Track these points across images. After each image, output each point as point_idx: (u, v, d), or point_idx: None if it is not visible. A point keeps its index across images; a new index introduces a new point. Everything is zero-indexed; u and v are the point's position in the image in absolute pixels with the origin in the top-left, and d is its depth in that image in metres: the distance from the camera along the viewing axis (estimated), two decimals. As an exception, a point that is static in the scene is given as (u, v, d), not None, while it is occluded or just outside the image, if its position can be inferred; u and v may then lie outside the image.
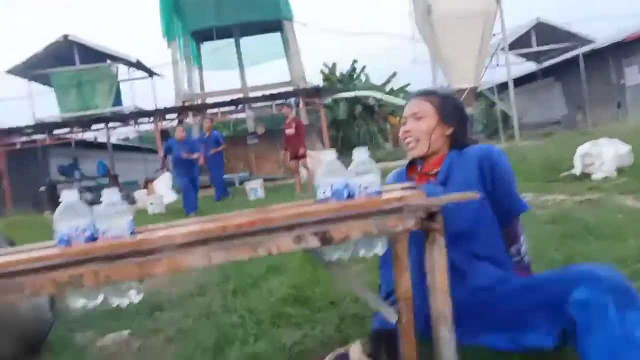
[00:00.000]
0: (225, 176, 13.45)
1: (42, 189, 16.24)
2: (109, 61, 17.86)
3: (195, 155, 8.99)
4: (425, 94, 1.90)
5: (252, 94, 17.93)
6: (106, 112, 16.63)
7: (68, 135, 17.03)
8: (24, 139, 15.81)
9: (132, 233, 1.27)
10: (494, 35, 18.02)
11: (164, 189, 12.85)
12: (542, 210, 4.41)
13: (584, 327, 1.23)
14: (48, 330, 2.50)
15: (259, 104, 16.78)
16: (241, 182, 16.62)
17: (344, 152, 22.23)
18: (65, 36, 16.73)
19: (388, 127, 25.88)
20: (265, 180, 12.86)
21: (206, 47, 21.45)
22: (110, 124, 17.04)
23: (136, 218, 4.33)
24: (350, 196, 1.37)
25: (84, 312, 2.95)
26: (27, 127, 15.78)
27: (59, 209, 1.25)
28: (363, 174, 1.37)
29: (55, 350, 2.41)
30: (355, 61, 25.68)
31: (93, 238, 1.25)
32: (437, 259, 1.22)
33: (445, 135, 1.86)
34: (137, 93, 17.89)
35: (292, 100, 15.69)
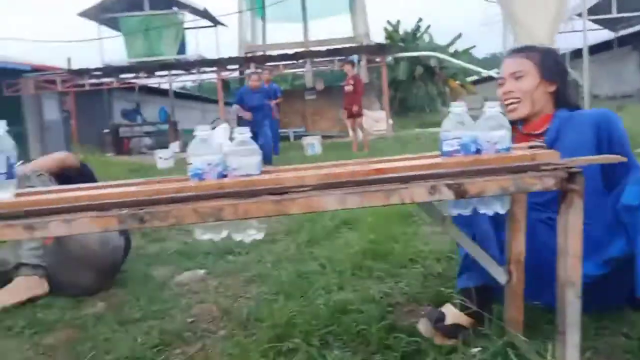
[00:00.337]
0: (281, 130, 13.55)
1: (106, 130, 16.89)
2: (175, 8, 18.00)
3: (274, 102, 9.15)
4: (524, 50, 1.81)
5: (313, 49, 17.71)
6: (171, 59, 16.87)
7: (133, 80, 17.47)
8: (92, 81, 16.33)
9: (261, 172, 1.29)
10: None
11: (222, 139, 13.11)
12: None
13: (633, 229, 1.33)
14: (122, 259, 2.61)
15: (320, 59, 16.59)
16: (296, 138, 16.73)
17: (400, 113, 21.92)
18: (136, -19, 16.95)
19: (447, 90, 25.16)
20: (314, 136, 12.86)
21: (270, -2, 21.23)
22: (174, 71, 17.33)
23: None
24: (477, 151, 1.33)
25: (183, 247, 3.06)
26: (96, 69, 16.25)
27: (192, 143, 1.27)
28: (493, 129, 1.32)
29: (136, 283, 2.53)
30: (420, 20, 24.86)
31: (223, 175, 1.28)
32: (573, 222, 1.18)
33: (548, 93, 1.77)
34: (200, 41, 17.98)
35: (355, 57, 15.40)
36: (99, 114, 18.34)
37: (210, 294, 2.34)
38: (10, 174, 1.20)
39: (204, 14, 18.13)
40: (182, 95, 24.83)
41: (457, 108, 1.33)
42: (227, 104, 16.76)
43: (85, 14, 17.75)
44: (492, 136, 1.32)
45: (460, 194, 1.15)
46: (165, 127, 17.85)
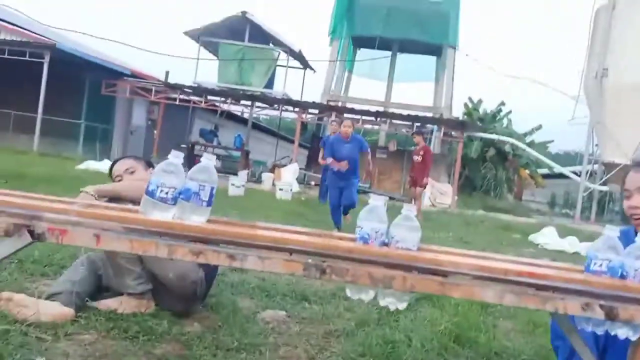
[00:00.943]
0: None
1: (183, 146, 17.70)
2: (272, 44, 18.96)
3: (371, 168, 7.64)
4: None
5: (393, 110, 18.09)
6: (257, 92, 17.67)
7: (218, 104, 18.36)
8: (181, 96, 17.29)
9: (418, 249, 1.42)
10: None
11: (290, 178, 13.48)
12: None
13: None
14: (205, 289, 2.66)
15: (398, 122, 16.89)
16: (359, 192, 16.88)
17: (465, 190, 21.60)
18: (244, 12, 18.04)
19: (516, 178, 24.77)
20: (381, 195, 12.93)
21: (362, 54, 22.00)
22: (258, 103, 18.08)
23: (262, 199, 4.63)
24: (622, 276, 1.41)
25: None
26: (189, 87, 17.23)
27: (366, 208, 1.42)
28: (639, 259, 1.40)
29: (226, 310, 2.65)
30: (502, 103, 24.86)
31: (385, 243, 1.41)
32: None
33: None
34: (287, 80, 18.77)
35: (433, 127, 15.60)
36: (180, 128, 19.28)
37: (294, 339, 2.43)
38: (209, 202, 1.39)
39: (297, 56, 18.99)
40: (259, 127, 25.73)
41: (611, 232, 1.42)
42: (301, 145, 17.24)
43: (189, 33, 19.02)
44: (638, 265, 1.40)
45: (611, 316, 1.23)
46: (238, 153, 18.49)
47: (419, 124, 16.67)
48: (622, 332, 1.41)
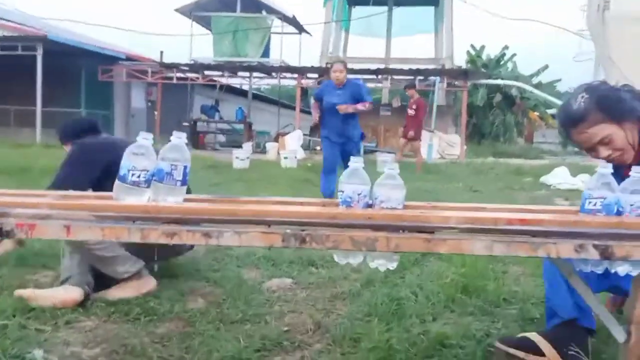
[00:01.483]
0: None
1: (185, 124, 17.64)
2: (264, 12, 18.58)
3: (361, 107, 5.46)
4: (584, 119, 1.69)
5: (394, 66, 17.77)
6: (254, 62, 17.42)
7: (216, 78, 18.17)
8: (179, 75, 17.12)
9: (404, 207, 1.37)
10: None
11: (294, 145, 13.41)
12: None
13: None
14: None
15: (399, 77, 16.62)
16: (366, 152, 16.78)
17: (474, 139, 21.42)
18: (233, -17, 17.65)
19: (525, 121, 24.45)
20: (389, 154, 12.87)
21: (357, 12, 21.51)
22: (255, 74, 17.86)
23: (268, 169, 4.61)
24: (619, 213, 1.35)
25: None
26: (185, 64, 17.04)
27: (346, 172, 1.37)
28: (637, 193, 1.34)
29: (230, 283, 2.64)
30: (505, 47, 24.32)
31: (369, 205, 1.36)
32: None
33: (634, 129, 1.69)
34: (284, 47, 18.46)
35: (437, 79, 15.33)
36: (180, 107, 19.18)
37: (300, 305, 2.42)
38: (184, 181, 1.34)
39: (291, 21, 18.62)
40: (259, 97, 25.51)
41: (605, 169, 1.35)
42: (302, 111, 17.07)
43: (180, 10, 18.68)
44: (635, 200, 1.34)
45: (606, 255, 1.18)
46: (241, 126, 18.41)
47: (421, 77, 16.39)
48: (622, 269, 1.36)
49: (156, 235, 1.16)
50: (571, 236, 1.19)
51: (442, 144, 15.75)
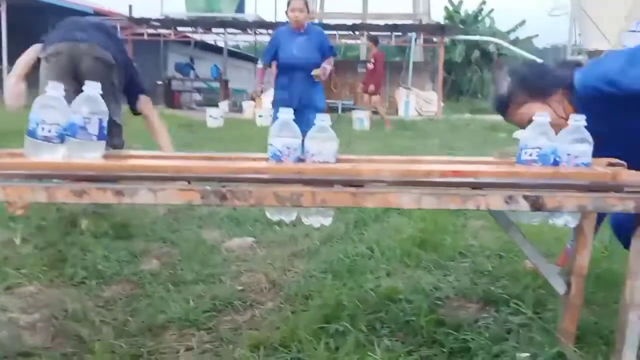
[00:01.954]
0: (329, 101, 13.49)
1: (159, 82, 17.19)
2: (238, -35, 17.95)
3: (329, 68, 4.45)
4: (511, 102, 1.68)
5: (371, 22, 17.42)
6: (228, 17, 16.90)
7: (189, 34, 17.62)
8: (150, 30, 16.56)
9: (337, 161, 1.31)
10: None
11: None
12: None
13: None
14: None
15: (377, 33, 16.31)
16: (344, 110, 16.63)
17: (452, 96, 21.47)
18: None
19: (503, 77, 24.41)
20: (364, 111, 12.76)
21: (333, -35, 20.90)
22: (230, 30, 17.38)
23: (243, 128, 4.54)
24: (556, 163, 1.31)
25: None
26: (155, 19, 16.46)
27: (275, 124, 1.30)
28: (574, 142, 1.30)
29: (188, 244, 2.60)
30: (483, 2, 24.02)
31: (300, 159, 1.30)
32: (648, 247, 1.16)
33: (562, 100, 1.62)
34: (258, 2, 17.92)
35: (412, 34, 15.10)
36: (153, 65, 18.61)
37: (258, 264, 2.39)
38: (101, 136, 1.26)
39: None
40: (235, 54, 24.93)
41: (541, 118, 1.31)
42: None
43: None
44: (573, 149, 1.30)
45: (537, 206, 1.14)
46: (216, 84, 18.02)
47: (397, 33, 16.12)
48: (560, 221, 1.33)
49: (63, 195, 1.09)
50: (502, 187, 1.15)
51: (419, 100, 15.65)
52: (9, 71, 10.71)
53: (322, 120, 1.30)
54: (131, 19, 16.06)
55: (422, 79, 17.24)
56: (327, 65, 4.36)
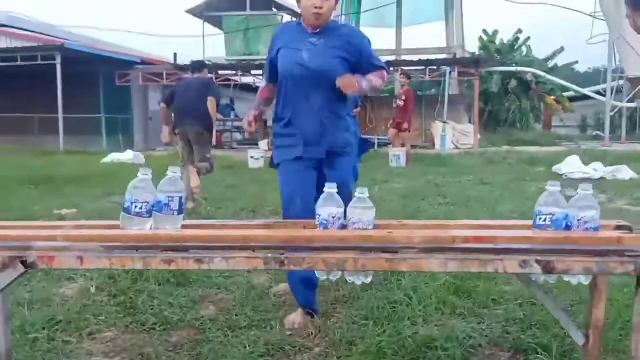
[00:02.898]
0: (366, 136, 13.76)
1: (203, 123, 17.87)
2: (275, 9, 18.74)
3: (377, 82, 2.47)
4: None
5: (405, 57, 17.78)
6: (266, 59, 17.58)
7: (230, 77, 18.38)
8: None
9: (374, 227, 1.55)
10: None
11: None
12: None
13: None
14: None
15: (410, 68, 16.63)
16: (380, 145, 16.87)
17: (489, 127, 21.22)
18: (241, -18, 17.84)
19: (542, 106, 24.19)
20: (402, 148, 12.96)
21: (367, 3, 21.50)
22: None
23: None
24: (567, 227, 1.50)
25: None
26: (198, 65, 17.27)
27: (321, 199, 1.54)
28: (583, 210, 1.49)
29: (241, 289, 2.83)
30: (519, 31, 24.03)
31: (344, 225, 1.54)
32: (649, 305, 1.33)
33: None
34: (296, 44, 18.51)
35: (447, 68, 15.32)
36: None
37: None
38: (181, 210, 1.54)
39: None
40: (274, 94, 25.63)
41: (553, 188, 1.51)
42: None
43: (192, 11, 18.94)
44: (583, 215, 1.49)
45: (548, 270, 1.34)
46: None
47: (432, 67, 16.38)
48: (574, 280, 1.52)
49: (156, 263, 1.36)
50: (517, 252, 1.35)
51: (456, 134, 15.74)
52: (64, 120, 11.78)
53: (362, 193, 1.54)
54: (176, 66, 16.94)
55: (459, 112, 17.37)
56: (374, 78, 2.45)
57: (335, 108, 2.45)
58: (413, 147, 15.53)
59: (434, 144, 15.27)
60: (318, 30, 2.42)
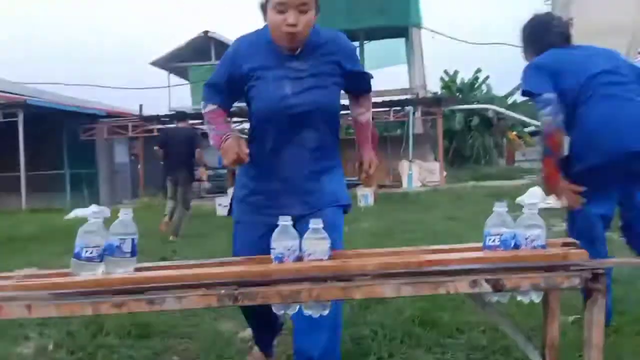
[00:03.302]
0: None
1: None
2: (239, 59, 19.10)
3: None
4: None
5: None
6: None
7: (197, 126, 18.45)
8: (159, 126, 17.37)
9: (329, 257, 1.56)
10: (639, 53, 16.75)
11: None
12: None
13: None
14: None
15: (375, 110, 17.00)
16: (349, 187, 17.01)
17: (455, 163, 21.70)
18: (206, 32, 18.20)
19: (504, 141, 24.94)
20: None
21: (329, 50, 22.09)
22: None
23: None
24: (516, 246, 1.54)
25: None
26: (164, 115, 17.32)
27: (275, 232, 1.55)
28: (530, 228, 1.54)
29: (206, 337, 2.77)
30: (478, 70, 24.99)
31: (299, 257, 1.55)
32: (596, 317, 1.36)
33: None
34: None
35: (410, 108, 15.75)
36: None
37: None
38: (134, 252, 1.52)
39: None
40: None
41: (500, 208, 1.55)
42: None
43: (156, 63, 19.14)
44: (530, 234, 1.53)
45: (498, 288, 1.37)
46: (224, 171, 18.60)
47: (396, 108, 16.79)
48: (526, 298, 1.54)
49: (106, 307, 1.33)
50: (467, 273, 1.38)
51: (423, 172, 16.02)
52: (27, 178, 11.58)
53: (316, 224, 1.55)
54: (142, 117, 16.94)
55: (424, 150, 17.72)
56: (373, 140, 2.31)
57: (329, 153, 1.96)
58: (381, 186, 15.72)
59: (401, 183, 15.47)
60: (298, 51, 1.84)
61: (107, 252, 1.50)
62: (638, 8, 16.33)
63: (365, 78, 2.06)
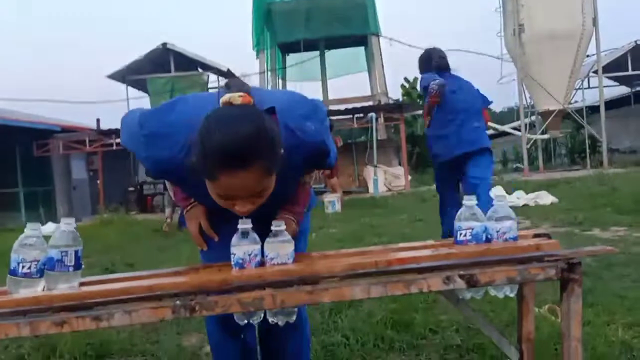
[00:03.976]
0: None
1: (130, 189, 17.36)
2: (200, 69, 18.83)
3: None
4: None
5: (332, 107, 18.24)
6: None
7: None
8: (118, 140, 16.93)
9: (294, 260, 1.45)
10: (587, 56, 17.37)
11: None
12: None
13: None
14: None
15: (338, 117, 17.03)
16: (316, 194, 16.94)
17: (419, 167, 22.03)
18: (164, 44, 17.85)
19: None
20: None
21: (291, 58, 22.12)
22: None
23: None
24: (488, 240, 1.48)
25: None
26: (123, 129, 16.89)
27: (235, 237, 1.44)
28: (501, 220, 1.48)
29: (170, 352, 2.63)
30: (436, 77, 25.41)
31: (261, 263, 1.44)
32: (574, 308, 1.30)
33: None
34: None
35: (372, 115, 15.83)
36: (124, 172, 18.88)
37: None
38: (78, 266, 1.38)
39: (227, 75, 18.90)
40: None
41: (470, 202, 1.49)
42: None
43: (114, 75, 18.67)
44: (501, 226, 1.47)
45: (472, 283, 1.29)
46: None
47: (359, 115, 16.86)
48: (500, 293, 1.48)
49: (45, 327, 1.19)
50: (440, 269, 1.30)
51: (388, 176, 16.12)
52: None
53: (278, 226, 1.45)
54: (100, 131, 16.48)
55: (388, 155, 17.85)
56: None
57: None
58: (347, 192, 15.72)
59: (367, 189, 15.51)
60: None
61: (47, 267, 1.36)
62: (584, 14, 16.99)
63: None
